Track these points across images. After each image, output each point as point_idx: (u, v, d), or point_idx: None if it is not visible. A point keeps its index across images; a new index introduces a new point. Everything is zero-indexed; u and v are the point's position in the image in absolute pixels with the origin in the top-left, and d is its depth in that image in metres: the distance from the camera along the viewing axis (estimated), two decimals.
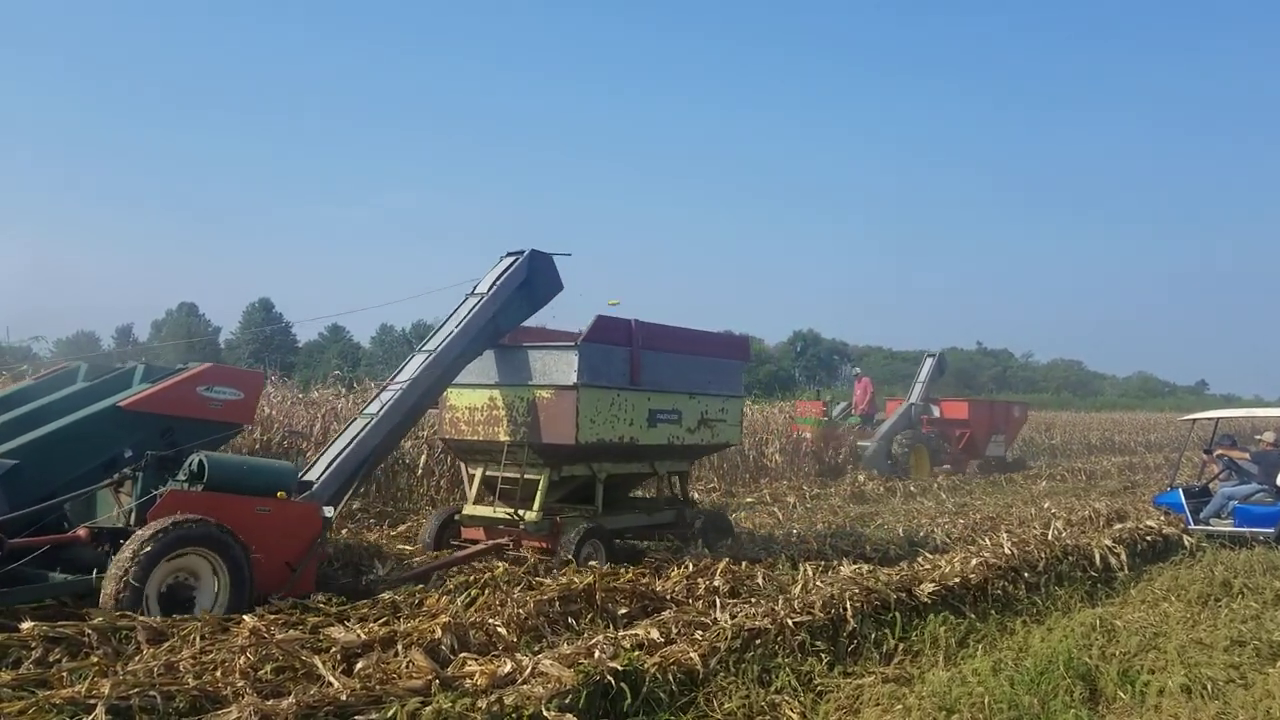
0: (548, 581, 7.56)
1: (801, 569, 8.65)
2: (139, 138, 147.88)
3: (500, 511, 9.26)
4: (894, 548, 10.68)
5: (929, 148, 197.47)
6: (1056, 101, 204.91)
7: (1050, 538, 10.49)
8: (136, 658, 5.37)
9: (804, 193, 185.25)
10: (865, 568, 8.73)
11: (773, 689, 5.86)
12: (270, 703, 4.67)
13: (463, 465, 10.24)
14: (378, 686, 5.02)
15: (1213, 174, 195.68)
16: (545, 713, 4.92)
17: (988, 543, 10.34)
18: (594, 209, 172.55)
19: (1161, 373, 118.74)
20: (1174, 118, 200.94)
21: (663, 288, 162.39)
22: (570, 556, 8.58)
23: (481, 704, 4.88)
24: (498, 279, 9.18)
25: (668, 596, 7.56)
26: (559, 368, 8.97)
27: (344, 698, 4.79)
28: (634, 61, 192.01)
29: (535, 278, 9.33)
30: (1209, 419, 15.28)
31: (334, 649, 5.62)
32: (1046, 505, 14.84)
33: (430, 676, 5.19)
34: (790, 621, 6.61)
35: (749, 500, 15.50)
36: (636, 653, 5.77)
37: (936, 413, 23.61)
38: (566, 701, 5.07)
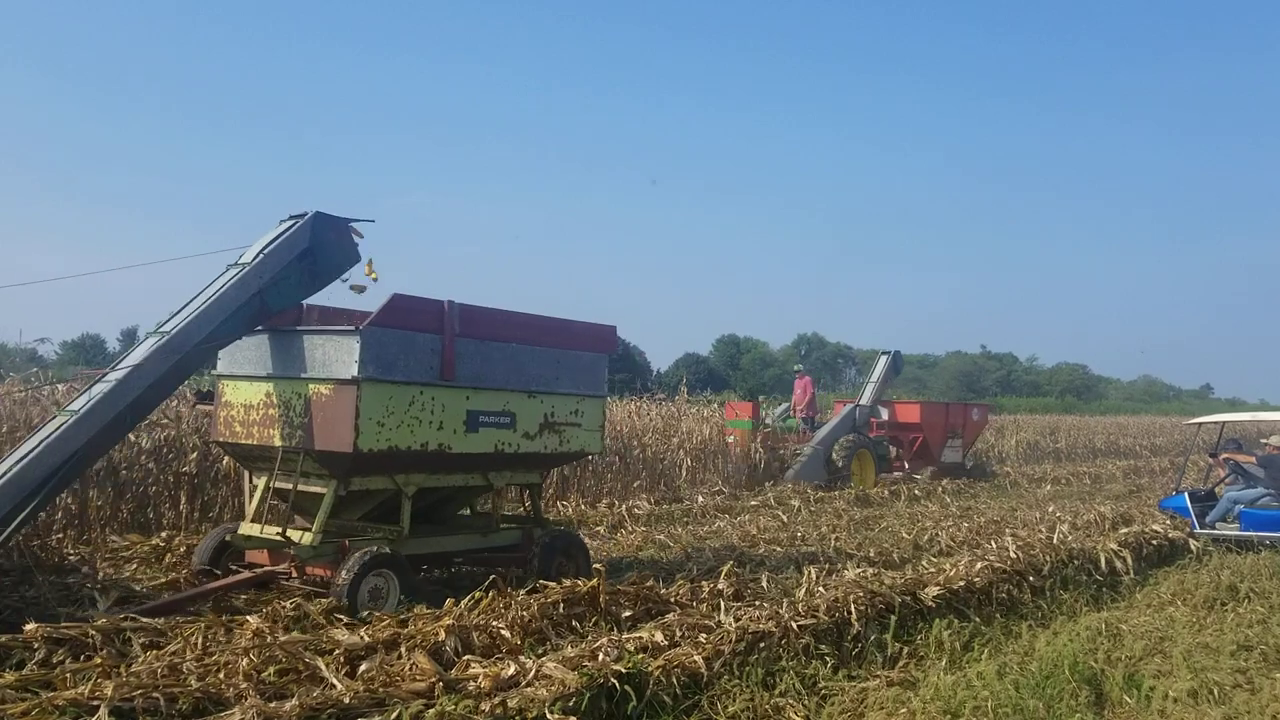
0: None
1: (806, 572, 8.63)
2: (139, 138, 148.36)
3: (270, 532, 7.71)
4: (898, 551, 10.65)
5: (933, 151, 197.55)
6: (1064, 105, 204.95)
7: (1055, 541, 10.46)
8: (139, 659, 5.37)
9: (808, 195, 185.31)
10: (870, 571, 8.71)
11: (777, 692, 5.85)
12: (273, 705, 4.67)
13: (246, 474, 8.49)
14: (381, 689, 5.02)
15: (1219, 177, 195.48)
16: (549, 715, 4.90)
17: (992, 546, 10.31)
18: (595, 210, 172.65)
19: (1167, 376, 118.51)
20: (1181, 122, 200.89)
21: (663, 289, 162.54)
22: (344, 592, 6.98)
23: (485, 706, 4.87)
24: (268, 246, 7.58)
25: (672, 599, 7.55)
26: (337, 358, 7.43)
27: (347, 700, 4.79)
28: (634, 64, 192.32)
29: (321, 246, 7.74)
30: (1215, 423, 15.24)
31: (337, 651, 5.61)
32: (1051, 509, 14.79)
33: (433, 679, 5.18)
34: (795, 625, 6.59)
35: (753, 504, 15.47)
36: (640, 655, 5.76)
37: (885, 415, 21.91)
38: (570, 704, 5.07)
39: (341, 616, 6.74)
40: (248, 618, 6.21)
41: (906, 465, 21.64)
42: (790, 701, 5.75)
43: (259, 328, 7.78)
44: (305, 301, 8.22)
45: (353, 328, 7.44)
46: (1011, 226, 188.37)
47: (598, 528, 12.54)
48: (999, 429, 35.36)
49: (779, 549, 10.68)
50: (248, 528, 7.91)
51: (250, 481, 8.31)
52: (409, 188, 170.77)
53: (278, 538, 7.54)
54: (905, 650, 6.91)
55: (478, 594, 6.95)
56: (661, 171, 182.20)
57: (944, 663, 6.71)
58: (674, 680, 5.61)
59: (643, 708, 5.36)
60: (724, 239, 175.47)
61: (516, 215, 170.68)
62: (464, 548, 8.65)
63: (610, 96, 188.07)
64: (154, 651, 5.54)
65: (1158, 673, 6.48)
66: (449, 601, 6.78)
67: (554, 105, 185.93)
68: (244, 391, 7.94)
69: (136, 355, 7.04)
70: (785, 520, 13.73)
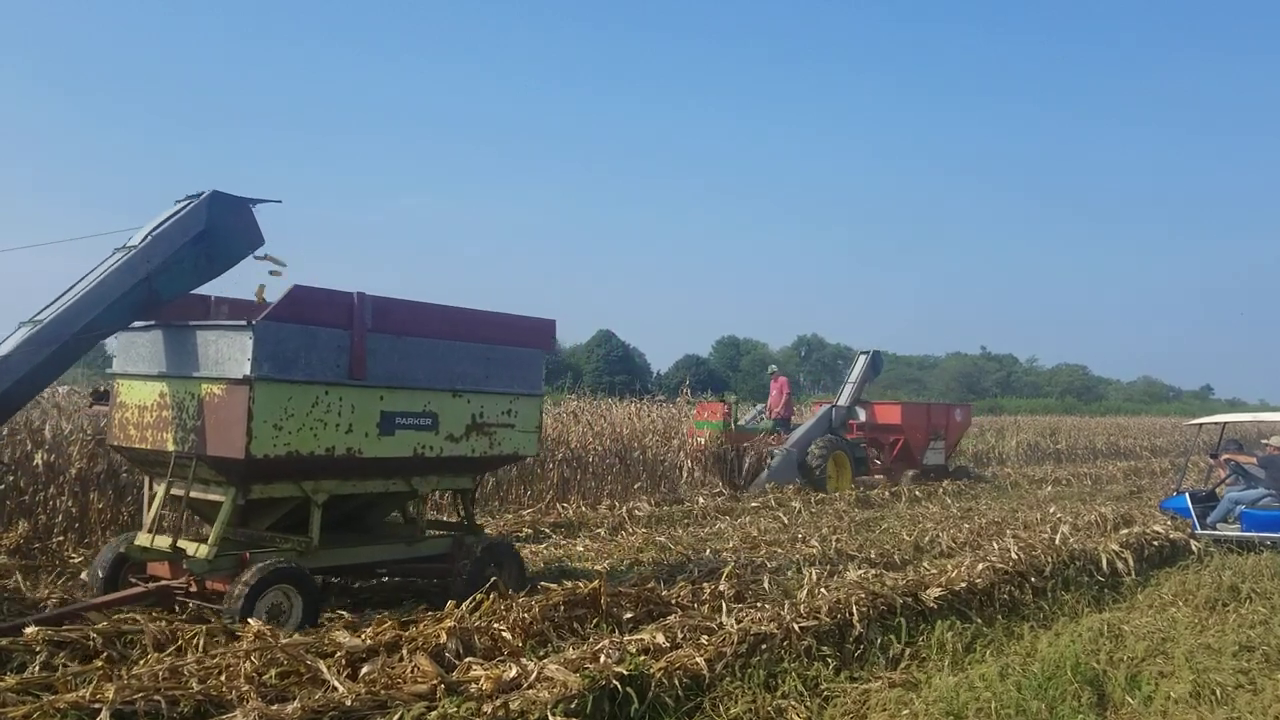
0: (554, 587, 7.53)
1: (808, 573, 8.62)
2: (142, 139, 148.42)
3: (162, 543, 7.09)
4: (899, 553, 10.65)
5: (934, 152, 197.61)
6: (1063, 107, 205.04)
7: (1057, 542, 10.46)
8: (141, 662, 5.37)
9: (809, 197, 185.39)
10: (871, 572, 8.70)
11: (779, 694, 5.84)
12: (275, 707, 4.67)
13: (146, 481, 7.88)
14: (383, 691, 5.02)
15: (1218, 178, 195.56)
16: (551, 717, 4.91)
17: (994, 547, 10.30)
18: (596, 212, 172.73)
19: (1167, 377, 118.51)
20: (1180, 122, 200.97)
21: (663, 290, 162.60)
22: (237, 609, 6.35)
23: (487, 709, 4.87)
24: (157, 228, 7.00)
25: (674, 601, 7.54)
26: (229, 355, 6.80)
27: (349, 703, 4.79)
28: (634, 65, 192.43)
29: (220, 229, 7.18)
30: (1216, 424, 15.23)
31: (339, 653, 5.61)
32: (1052, 510, 14.78)
33: (435, 681, 5.18)
34: (797, 626, 6.59)
35: (754, 505, 15.46)
36: (642, 657, 5.75)
37: (863, 416, 21.29)
38: (572, 706, 5.06)
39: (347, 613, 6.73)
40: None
41: (890, 468, 21.06)
42: (792, 703, 5.75)
43: (154, 322, 7.29)
44: (217, 294, 7.81)
45: (244, 322, 6.80)
46: (1012, 228, 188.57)
47: (598, 529, 12.54)
48: (999, 430, 35.37)
49: (780, 550, 10.67)
50: (143, 538, 7.28)
51: (150, 488, 7.73)
52: (407, 190, 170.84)
53: (172, 550, 6.99)
54: (907, 651, 6.90)
55: (479, 596, 6.95)
56: (661, 173, 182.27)
57: (946, 664, 6.70)
58: (676, 682, 5.61)
59: (645, 710, 5.35)
60: (724, 240, 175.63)
61: (516, 217, 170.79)
62: (386, 558, 8.03)
63: (610, 98, 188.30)
64: (156, 654, 5.54)
65: (1159, 674, 6.48)
66: (450, 604, 6.78)
67: (553, 107, 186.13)
68: (139, 392, 7.41)
69: (4, 347, 6.53)
70: (786, 522, 13.72)
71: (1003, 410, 61.76)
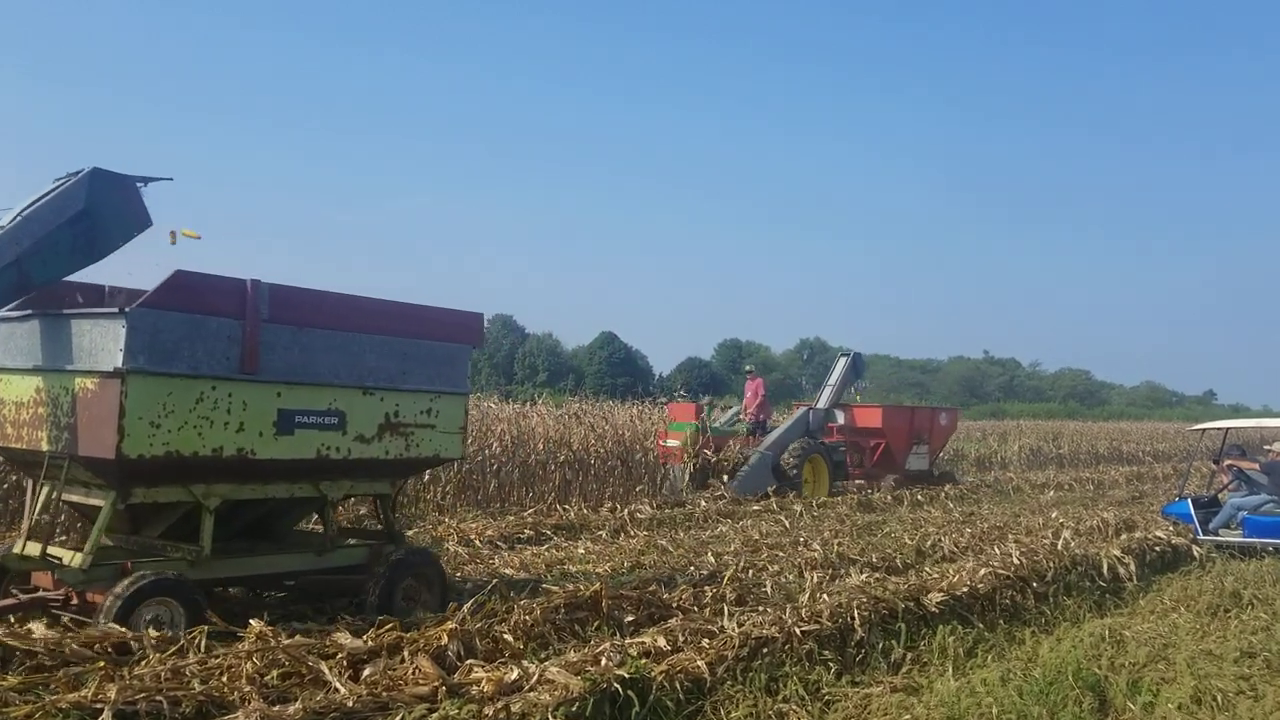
0: (555, 589, 7.54)
1: (809, 577, 8.62)
2: (142, 141, 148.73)
3: (32, 550, 6.65)
4: (901, 557, 10.64)
5: (938, 157, 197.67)
6: (1064, 113, 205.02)
7: (1059, 547, 10.46)
8: (143, 662, 5.37)
9: (811, 201, 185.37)
10: (873, 576, 8.70)
11: (780, 698, 5.84)
12: (277, 709, 4.67)
13: (29, 484, 7.37)
14: (384, 693, 5.02)
15: (1222, 182, 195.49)
16: None
17: (996, 552, 10.30)
18: (597, 214, 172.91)
19: (1169, 382, 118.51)
20: (1182, 128, 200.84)
21: (665, 293, 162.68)
22: (110, 623, 5.78)
23: (488, 711, 4.87)
24: (29, 207, 6.47)
25: (675, 604, 7.54)
26: (102, 346, 6.23)
27: (350, 704, 4.79)
28: (635, 68, 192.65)
29: (101, 209, 6.62)
30: (1218, 429, 15.23)
31: (341, 655, 5.61)
32: (1054, 515, 14.78)
33: (436, 683, 5.18)
34: (798, 630, 6.59)
35: (755, 508, 15.46)
36: (644, 660, 5.75)
37: (842, 419, 20.70)
38: (573, 709, 5.06)
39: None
40: (250, 621, 6.21)
41: (872, 473, 20.63)
42: (794, 707, 5.75)
43: (31, 311, 6.81)
44: (112, 283, 7.34)
45: (117, 309, 6.24)
46: (1014, 232, 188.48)
47: (600, 532, 12.55)
48: (1002, 435, 35.40)
49: (782, 554, 10.67)
50: (21, 546, 6.80)
51: (32, 492, 7.19)
52: (411, 190, 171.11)
53: (48, 558, 6.50)
54: (909, 656, 6.90)
55: (480, 597, 6.95)
56: (663, 175, 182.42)
57: (948, 669, 6.70)
58: (677, 686, 5.61)
59: (645, 713, 5.35)
60: (726, 243, 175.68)
61: (517, 218, 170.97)
62: (290, 569, 7.43)
63: (611, 98, 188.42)
64: (157, 654, 5.54)
65: (1161, 679, 6.47)
66: (451, 605, 6.78)
67: (555, 107, 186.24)
68: (16, 387, 6.87)
69: None
70: (788, 525, 13.73)
71: (1005, 415, 61.72)
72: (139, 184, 6.80)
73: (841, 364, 21.05)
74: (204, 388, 6.39)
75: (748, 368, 21.97)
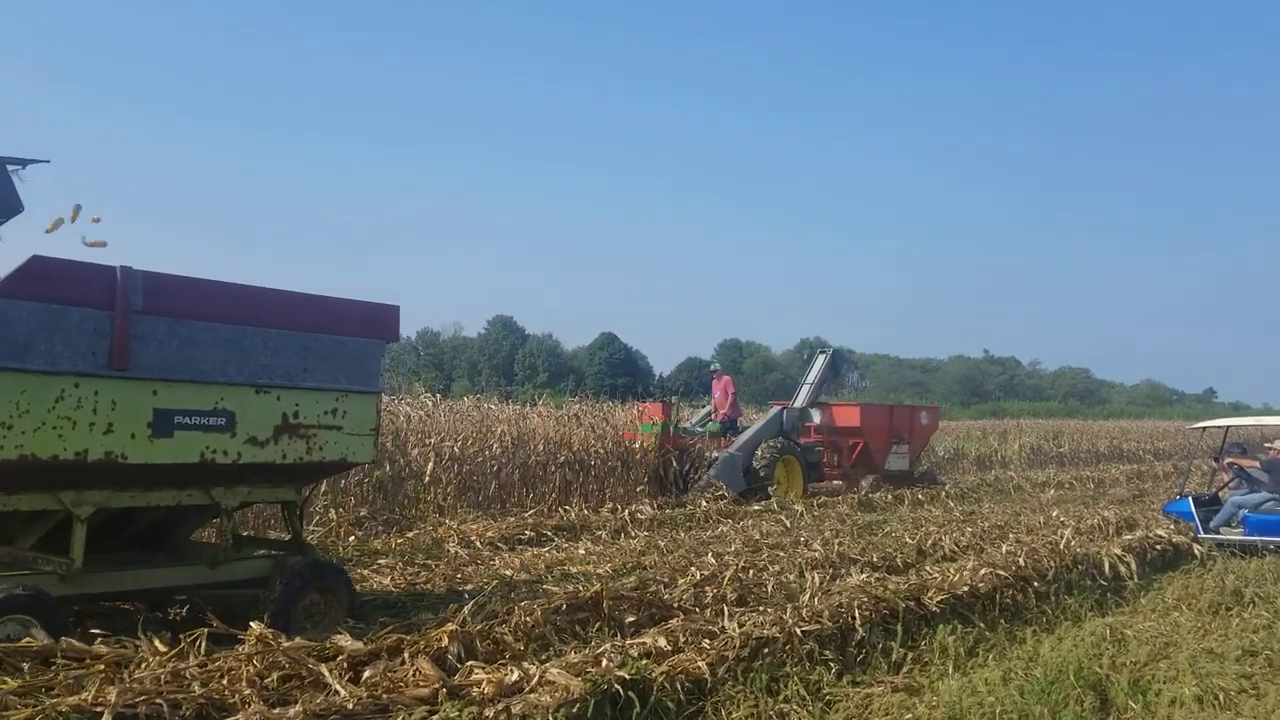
0: (555, 591, 7.53)
1: (810, 577, 8.61)
2: (143, 143, 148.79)
3: None
4: (901, 556, 10.63)
5: (936, 156, 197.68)
6: (1065, 111, 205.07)
7: (1060, 546, 10.45)
8: (143, 665, 5.36)
9: (812, 201, 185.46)
10: (873, 576, 8.70)
11: (781, 698, 5.84)
12: (277, 711, 4.67)
13: None
14: (385, 695, 5.02)
15: (1223, 181, 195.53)
16: None
17: (997, 551, 10.30)
18: (597, 215, 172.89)
19: (1170, 381, 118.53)
20: (1183, 126, 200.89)
21: (666, 293, 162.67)
22: None
23: (489, 713, 4.87)
24: None
25: (675, 605, 7.53)
26: None
27: (350, 706, 4.79)
28: (636, 68, 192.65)
29: None
30: (1219, 427, 15.22)
31: (341, 657, 5.60)
32: (1055, 514, 14.77)
33: (437, 685, 5.18)
34: (799, 630, 6.58)
35: (755, 508, 15.45)
36: (644, 661, 5.75)
37: (817, 418, 20.01)
38: (574, 711, 5.06)
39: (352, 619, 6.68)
40: (251, 623, 6.20)
41: (850, 473, 20.10)
42: (794, 708, 5.74)
43: None
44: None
45: None
46: (1014, 231, 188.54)
47: (600, 532, 12.54)
48: (1002, 434, 35.39)
49: (782, 554, 10.65)
50: None
51: None
52: (406, 192, 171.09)
53: None
54: (909, 656, 6.89)
55: (481, 599, 6.94)
56: (663, 175, 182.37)
57: (949, 668, 6.70)
58: (678, 686, 5.61)
59: (646, 714, 5.35)
60: (726, 242, 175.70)
61: (518, 219, 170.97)
62: (179, 582, 6.81)
63: (613, 99, 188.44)
64: (158, 657, 5.53)
65: (1163, 678, 6.47)
66: (452, 607, 6.78)
67: (554, 109, 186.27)
68: None
69: None
70: (788, 525, 13.72)
71: (1005, 414, 61.77)
72: (11, 167, 6.28)
73: (820, 362, 20.52)
74: (65, 385, 5.81)
75: (713, 367, 20.88)
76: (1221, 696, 6.15)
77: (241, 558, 7.14)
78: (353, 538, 11.05)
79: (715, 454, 17.22)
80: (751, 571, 8.86)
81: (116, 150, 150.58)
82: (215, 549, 7.05)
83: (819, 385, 20.11)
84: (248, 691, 4.95)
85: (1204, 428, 15.67)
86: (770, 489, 17.07)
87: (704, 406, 20.31)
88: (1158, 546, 11.49)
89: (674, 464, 17.24)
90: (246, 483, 6.90)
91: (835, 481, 19.98)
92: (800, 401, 19.75)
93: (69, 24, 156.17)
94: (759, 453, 17.40)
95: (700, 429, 18.75)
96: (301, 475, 7.36)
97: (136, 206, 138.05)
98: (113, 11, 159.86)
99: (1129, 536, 11.74)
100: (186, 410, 6.29)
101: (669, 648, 6.14)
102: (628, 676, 5.41)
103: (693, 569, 8.89)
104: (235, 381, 6.50)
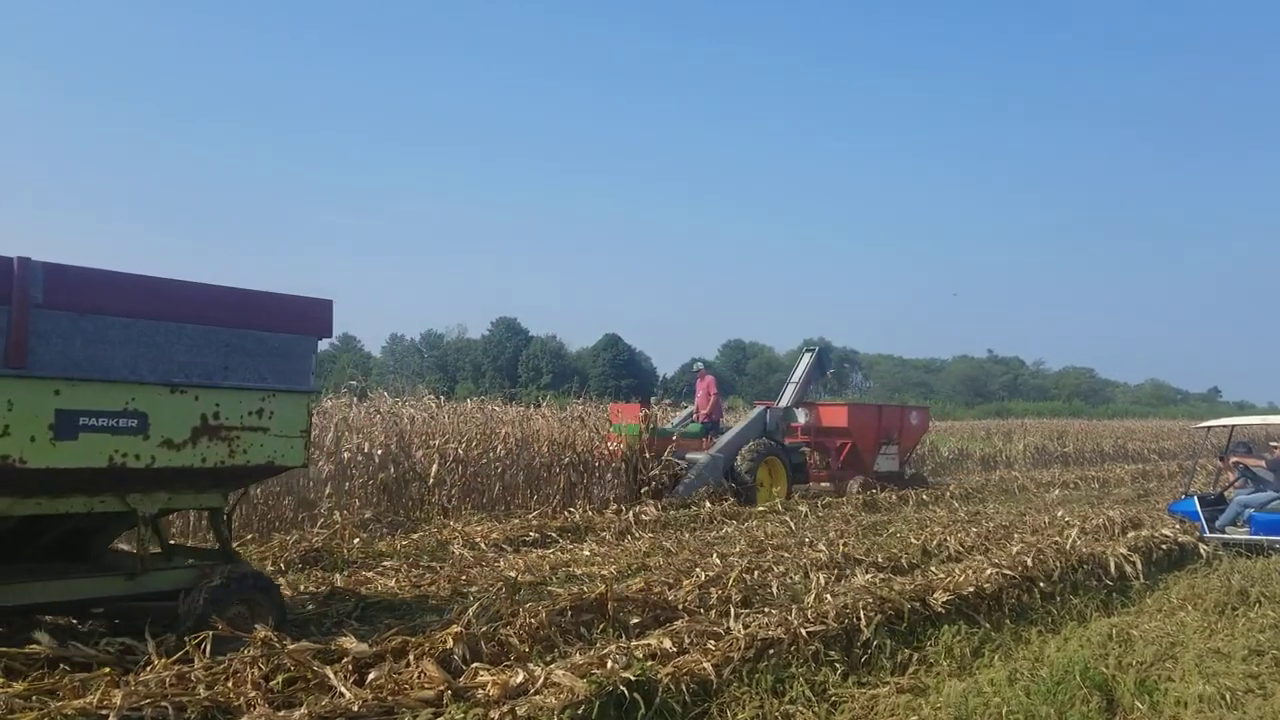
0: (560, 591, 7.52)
1: (815, 578, 8.60)
2: (145, 144, 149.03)
3: None
4: (906, 557, 10.61)
5: (940, 155, 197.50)
6: (1070, 109, 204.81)
7: (1066, 546, 10.42)
8: (148, 668, 5.37)
9: (815, 201, 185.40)
10: (878, 577, 8.68)
11: (786, 699, 5.83)
12: (282, 713, 4.68)
13: None
14: (390, 697, 5.02)
15: (1227, 179, 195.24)
16: None
17: (1002, 552, 10.28)
18: (600, 216, 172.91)
19: (1174, 380, 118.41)
20: (1186, 125, 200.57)
21: (669, 294, 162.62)
22: None
23: (494, 714, 4.87)
24: None
25: (680, 606, 7.53)
26: None
27: (356, 708, 4.80)
28: (639, 70, 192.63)
29: None
30: (1224, 426, 15.18)
31: (346, 659, 5.60)
32: (1060, 513, 14.74)
33: (442, 687, 5.18)
34: (804, 631, 6.57)
35: (761, 509, 15.43)
36: (649, 663, 5.75)
37: (803, 418, 19.31)
38: (579, 712, 5.06)
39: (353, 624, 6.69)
40: (255, 626, 6.20)
41: (837, 475, 19.58)
42: (800, 709, 5.74)
43: None
44: None
45: None
46: (1018, 230, 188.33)
47: (604, 533, 12.53)
48: (1007, 434, 35.35)
49: (787, 554, 10.64)
50: None
51: None
52: (406, 193, 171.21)
53: None
54: (915, 657, 6.89)
55: (485, 601, 6.94)
56: (665, 176, 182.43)
57: (954, 669, 6.69)
58: (683, 688, 5.60)
59: (651, 715, 5.35)
60: (729, 243, 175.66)
61: (519, 220, 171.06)
62: (92, 594, 6.33)
63: (614, 99, 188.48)
64: (163, 660, 5.54)
65: (1169, 678, 6.45)
66: (457, 609, 6.78)
67: (554, 109, 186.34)
68: None
69: None
70: (793, 526, 13.70)
71: (1010, 414, 61.72)
72: None
73: (806, 359, 19.96)
74: None
75: (696, 365, 20.09)
76: (1228, 696, 6.12)
77: (163, 568, 6.67)
78: (357, 540, 11.05)
79: (695, 456, 16.76)
80: (756, 572, 8.85)
81: (115, 150, 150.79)
82: (132, 559, 6.58)
83: (804, 384, 19.59)
84: (253, 694, 4.95)
85: (1209, 427, 15.63)
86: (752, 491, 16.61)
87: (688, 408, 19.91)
88: (1163, 546, 11.46)
89: (641, 468, 16.48)
90: (165, 488, 6.42)
91: (823, 484, 19.61)
92: (785, 401, 19.20)
93: (69, 24, 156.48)
94: (741, 454, 16.96)
95: (681, 430, 18.12)
96: (226, 480, 6.81)
97: (138, 206, 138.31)
98: (112, 11, 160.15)
99: (1134, 536, 11.70)
100: (92, 411, 5.86)
101: (674, 649, 6.14)
102: (633, 678, 5.40)
103: (697, 570, 8.87)
104: (148, 380, 6.06)
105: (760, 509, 15.36)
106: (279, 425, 6.68)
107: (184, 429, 6.19)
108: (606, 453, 16.27)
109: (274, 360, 6.67)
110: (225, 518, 7.02)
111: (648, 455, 16.46)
